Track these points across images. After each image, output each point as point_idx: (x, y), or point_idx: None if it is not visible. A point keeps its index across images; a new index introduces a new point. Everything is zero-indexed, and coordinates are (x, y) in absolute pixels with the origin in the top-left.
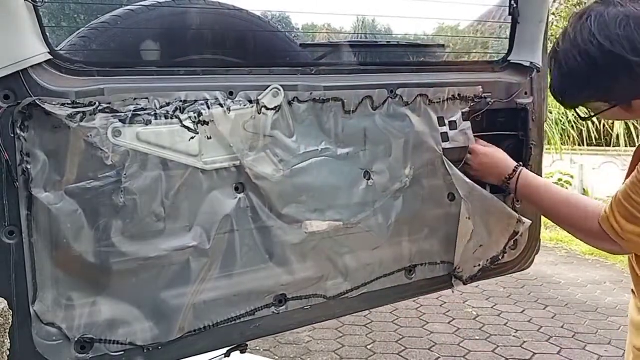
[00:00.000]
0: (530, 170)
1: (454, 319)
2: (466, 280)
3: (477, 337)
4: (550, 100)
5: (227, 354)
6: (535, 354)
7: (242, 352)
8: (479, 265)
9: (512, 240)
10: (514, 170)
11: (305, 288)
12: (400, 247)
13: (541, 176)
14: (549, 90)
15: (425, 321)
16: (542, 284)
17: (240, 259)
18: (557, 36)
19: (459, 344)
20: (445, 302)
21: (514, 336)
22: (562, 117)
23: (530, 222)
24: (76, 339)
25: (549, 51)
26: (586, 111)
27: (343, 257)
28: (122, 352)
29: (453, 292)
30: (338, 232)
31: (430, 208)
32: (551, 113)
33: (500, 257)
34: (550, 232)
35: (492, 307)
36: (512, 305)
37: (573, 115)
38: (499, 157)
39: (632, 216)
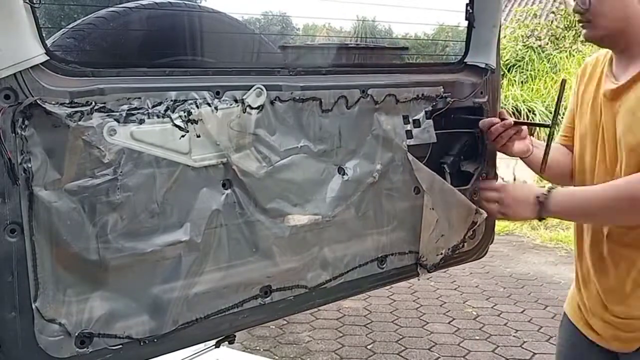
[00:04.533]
0: (485, 163)
1: (454, 319)
2: (430, 268)
3: (477, 337)
4: (549, 101)
5: (217, 345)
6: (535, 354)
7: (231, 342)
8: (442, 253)
9: (471, 230)
10: (549, 190)
11: (288, 279)
12: (372, 239)
13: (495, 170)
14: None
15: (425, 321)
16: (542, 284)
17: (229, 252)
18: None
19: (459, 344)
20: (445, 302)
21: (514, 336)
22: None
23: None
24: (76, 334)
25: None
26: None
27: (322, 249)
28: (120, 346)
29: (419, 279)
30: (317, 225)
31: (397, 201)
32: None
33: (461, 246)
34: (550, 232)
35: (492, 307)
36: (512, 305)
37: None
38: (525, 186)
39: None
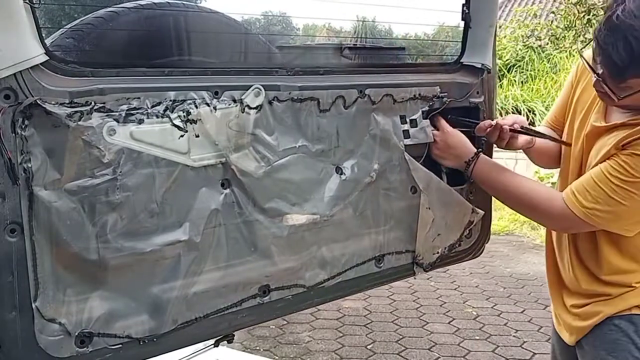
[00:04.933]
0: None
1: (454, 319)
2: (426, 267)
3: (477, 337)
4: (549, 101)
5: (216, 344)
6: (535, 354)
7: (229, 341)
8: (438, 252)
9: (467, 230)
10: (476, 154)
11: (286, 278)
12: (370, 238)
13: None
14: (598, 64)
15: (425, 321)
16: (542, 284)
17: (228, 251)
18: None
19: (459, 344)
20: (445, 302)
21: (514, 336)
22: None
23: (483, 212)
24: (76, 334)
25: (597, 25)
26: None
27: (320, 248)
28: (120, 345)
29: (415, 278)
30: (315, 225)
31: (394, 200)
32: None
33: (457, 245)
34: None
35: (492, 307)
36: (512, 305)
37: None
38: (464, 140)
39: (605, 197)
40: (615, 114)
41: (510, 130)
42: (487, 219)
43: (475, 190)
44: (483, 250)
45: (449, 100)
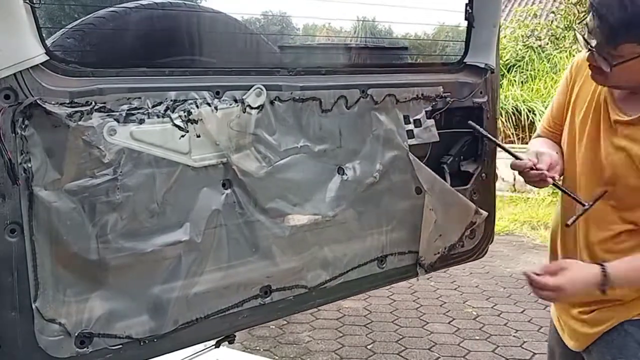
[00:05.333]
0: (485, 163)
1: (454, 319)
2: (427, 268)
3: (477, 337)
4: (548, 101)
5: (217, 345)
6: (535, 354)
7: (230, 342)
8: (439, 253)
9: (470, 230)
10: (602, 268)
11: (288, 279)
12: (372, 239)
13: (494, 169)
14: (591, 33)
15: (425, 321)
16: None
17: (229, 252)
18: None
19: (459, 344)
20: (445, 302)
21: (514, 336)
22: None
23: (487, 213)
24: (76, 334)
25: None
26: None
27: (322, 249)
28: (120, 346)
29: (418, 279)
30: (317, 225)
31: (398, 201)
32: None
33: (459, 246)
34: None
35: (492, 307)
36: (512, 305)
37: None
38: (578, 265)
39: None
40: (632, 109)
41: (553, 184)
42: (490, 220)
43: (478, 191)
44: (486, 251)
45: (452, 100)
